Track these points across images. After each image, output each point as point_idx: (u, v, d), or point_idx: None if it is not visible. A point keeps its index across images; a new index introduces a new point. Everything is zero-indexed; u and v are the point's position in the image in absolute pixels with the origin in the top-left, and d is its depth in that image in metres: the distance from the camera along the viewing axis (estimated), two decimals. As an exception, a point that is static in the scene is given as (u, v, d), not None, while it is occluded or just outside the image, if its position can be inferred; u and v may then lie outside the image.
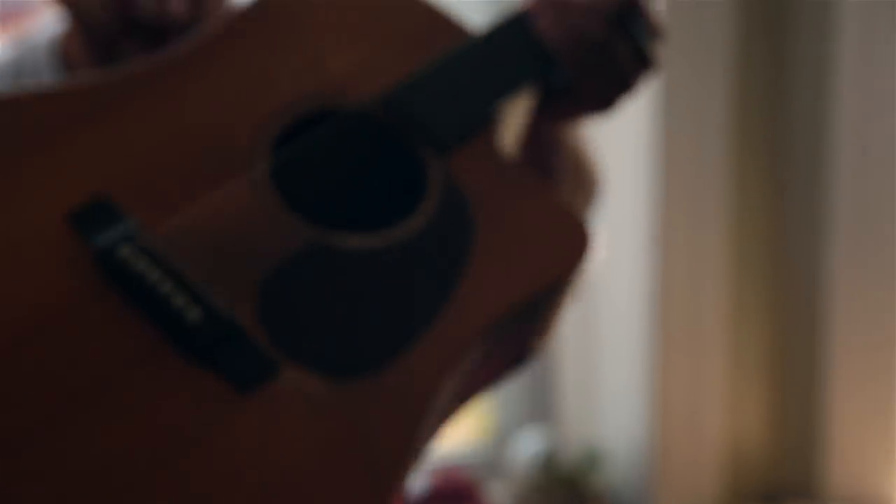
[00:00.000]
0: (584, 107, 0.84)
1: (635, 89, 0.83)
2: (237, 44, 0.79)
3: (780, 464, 2.01)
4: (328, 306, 0.69)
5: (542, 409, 2.03)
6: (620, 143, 1.75)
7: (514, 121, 0.82)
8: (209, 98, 0.75)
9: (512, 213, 0.75)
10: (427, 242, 0.72)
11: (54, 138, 0.71)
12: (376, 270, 0.71)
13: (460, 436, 1.96)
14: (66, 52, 0.99)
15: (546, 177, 0.88)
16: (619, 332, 1.94)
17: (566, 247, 0.74)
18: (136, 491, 0.60)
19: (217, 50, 0.78)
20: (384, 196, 0.77)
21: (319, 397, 0.65)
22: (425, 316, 0.69)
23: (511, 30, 0.81)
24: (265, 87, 0.76)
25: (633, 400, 1.94)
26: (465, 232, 0.73)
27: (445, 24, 0.83)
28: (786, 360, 1.98)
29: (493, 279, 0.72)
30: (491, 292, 0.71)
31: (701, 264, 1.87)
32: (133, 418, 0.62)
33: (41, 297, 0.65)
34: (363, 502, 0.63)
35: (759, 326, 1.96)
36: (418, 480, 1.06)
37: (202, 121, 0.74)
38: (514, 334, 0.76)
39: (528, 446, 1.94)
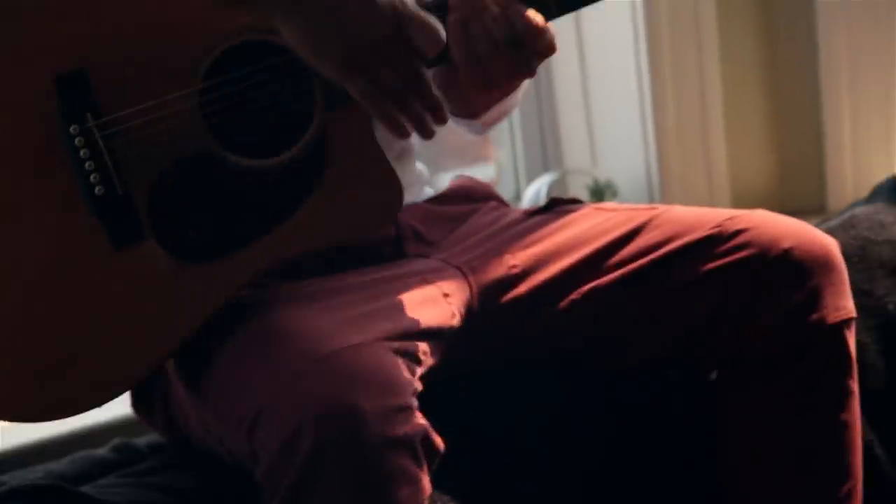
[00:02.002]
0: (468, 84, 0.96)
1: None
2: None
3: (782, 185, 2.05)
4: (194, 203, 0.95)
5: (550, 159, 2.11)
6: None
7: None
8: (181, 8, 0.94)
9: (353, 174, 0.95)
10: (284, 175, 0.95)
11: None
12: (239, 186, 0.94)
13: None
14: None
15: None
16: (615, 66, 2.00)
17: (379, 214, 0.96)
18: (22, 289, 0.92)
19: None
20: (276, 122, 0.96)
21: (160, 268, 0.93)
22: (259, 231, 0.94)
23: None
24: (220, 14, 0.94)
25: (635, 136, 1.99)
26: (313, 176, 0.95)
27: None
28: (782, 78, 2.01)
29: (317, 220, 0.94)
30: (311, 231, 0.94)
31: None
32: (37, 238, 0.92)
33: (10, 127, 0.91)
34: (145, 354, 0.93)
35: (754, 42, 2.01)
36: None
37: (170, 23, 0.94)
38: None
39: (535, 186, 1.99)
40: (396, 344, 0.88)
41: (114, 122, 0.92)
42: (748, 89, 2.01)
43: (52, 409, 0.95)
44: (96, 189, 0.91)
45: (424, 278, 0.99)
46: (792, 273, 1.02)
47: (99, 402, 0.95)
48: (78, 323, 0.93)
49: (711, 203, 1.98)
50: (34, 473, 1.19)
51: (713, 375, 1.10)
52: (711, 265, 1.03)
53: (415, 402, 0.85)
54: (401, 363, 0.86)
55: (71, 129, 0.91)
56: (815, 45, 1.94)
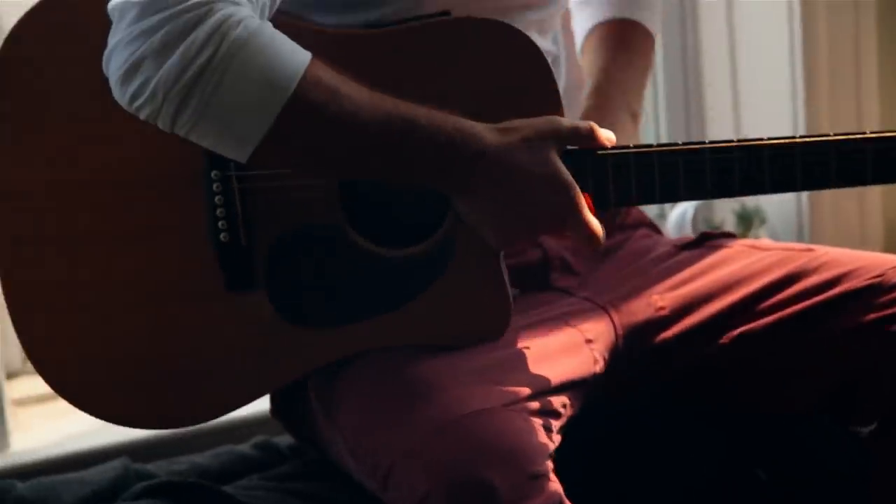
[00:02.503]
0: None
1: None
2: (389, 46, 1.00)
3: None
4: (310, 269, 0.99)
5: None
6: None
7: None
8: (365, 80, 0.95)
9: (469, 283, 0.97)
10: (404, 267, 0.98)
11: None
12: (358, 266, 0.98)
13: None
14: None
15: None
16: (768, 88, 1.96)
17: (485, 330, 0.96)
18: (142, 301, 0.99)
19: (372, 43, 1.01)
20: (408, 215, 1.00)
21: (264, 319, 0.98)
22: (368, 313, 0.98)
23: None
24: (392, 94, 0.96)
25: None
26: (431, 275, 0.97)
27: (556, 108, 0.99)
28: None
29: (426, 319, 0.97)
30: (417, 327, 0.97)
31: None
32: (162, 261, 1.00)
33: (162, 158, 0.97)
34: (235, 392, 0.99)
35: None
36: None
37: None
38: None
39: (681, 209, 1.96)
40: (535, 403, 0.88)
41: (254, 177, 0.96)
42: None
43: (146, 420, 1.04)
44: (222, 235, 0.97)
45: (567, 322, 0.99)
46: None
47: (191, 422, 1.02)
48: (181, 344, 0.99)
49: (863, 237, 1.93)
50: (179, 465, 1.25)
51: (865, 430, 1.06)
52: (873, 315, 1.00)
53: (549, 466, 0.85)
54: (537, 425, 0.86)
55: (213, 174, 0.96)
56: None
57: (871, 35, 1.87)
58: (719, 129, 2.03)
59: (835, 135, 0.95)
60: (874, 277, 1.01)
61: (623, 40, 1.19)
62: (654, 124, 2.09)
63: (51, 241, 0.99)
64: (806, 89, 1.86)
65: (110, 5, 0.86)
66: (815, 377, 1.03)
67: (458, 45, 0.96)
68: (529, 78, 0.95)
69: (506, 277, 0.95)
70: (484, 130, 0.90)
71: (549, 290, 1.06)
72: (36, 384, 1.52)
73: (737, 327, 1.02)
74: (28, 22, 0.97)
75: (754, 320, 1.02)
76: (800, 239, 1.95)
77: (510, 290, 0.95)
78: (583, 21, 1.22)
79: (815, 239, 1.90)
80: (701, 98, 2.05)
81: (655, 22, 1.22)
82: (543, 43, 1.06)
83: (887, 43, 1.91)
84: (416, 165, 0.90)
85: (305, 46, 0.88)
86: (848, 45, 1.87)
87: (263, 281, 0.98)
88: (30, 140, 0.99)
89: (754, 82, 1.97)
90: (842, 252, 1.08)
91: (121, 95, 0.86)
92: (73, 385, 1.00)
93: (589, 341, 0.98)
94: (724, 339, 1.02)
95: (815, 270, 1.04)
